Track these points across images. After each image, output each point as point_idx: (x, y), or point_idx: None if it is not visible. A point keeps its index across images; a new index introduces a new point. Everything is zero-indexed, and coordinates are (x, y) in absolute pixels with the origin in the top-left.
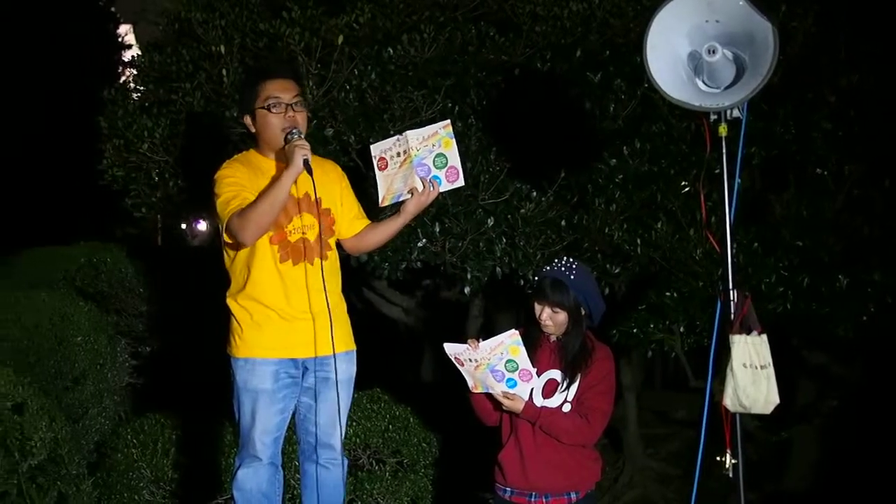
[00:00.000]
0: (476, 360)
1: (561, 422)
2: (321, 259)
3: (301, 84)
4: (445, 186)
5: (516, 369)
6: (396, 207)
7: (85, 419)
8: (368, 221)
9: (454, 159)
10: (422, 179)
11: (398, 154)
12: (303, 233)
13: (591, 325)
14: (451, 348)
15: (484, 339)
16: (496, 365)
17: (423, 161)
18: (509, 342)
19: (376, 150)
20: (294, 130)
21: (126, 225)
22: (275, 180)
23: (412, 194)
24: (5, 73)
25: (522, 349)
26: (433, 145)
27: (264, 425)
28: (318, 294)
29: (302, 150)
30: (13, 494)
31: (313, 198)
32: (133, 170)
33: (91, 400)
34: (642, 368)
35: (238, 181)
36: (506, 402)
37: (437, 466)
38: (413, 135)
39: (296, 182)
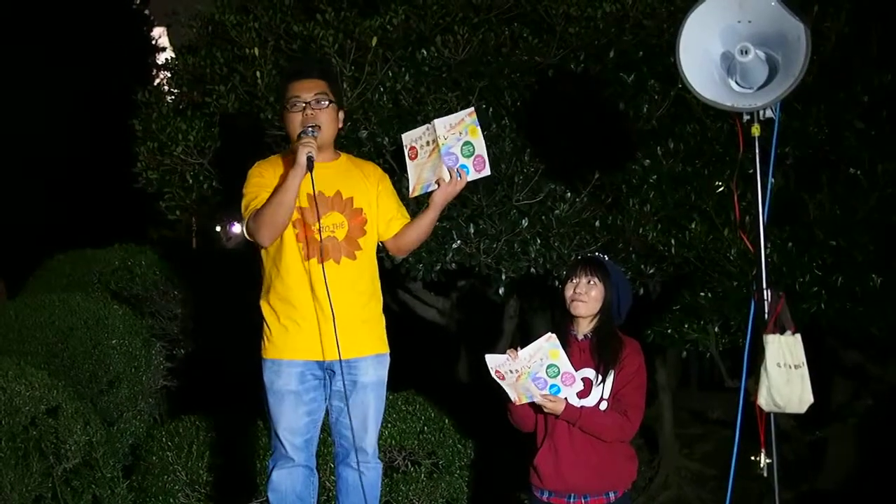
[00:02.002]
0: (517, 371)
1: (601, 419)
2: (349, 258)
3: (329, 80)
4: (473, 176)
5: (558, 374)
6: (425, 200)
7: (120, 422)
8: (407, 220)
9: (480, 148)
10: (449, 169)
11: (427, 143)
12: (331, 231)
13: (619, 321)
14: (491, 360)
15: (521, 348)
16: (537, 372)
17: (451, 150)
18: (547, 346)
19: (407, 139)
20: (308, 129)
21: (162, 227)
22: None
23: (439, 185)
24: (41, 75)
25: (561, 351)
26: (460, 133)
27: (292, 427)
28: (345, 294)
29: (305, 148)
30: (48, 498)
31: (345, 196)
32: (167, 172)
33: (126, 403)
34: (678, 368)
35: (262, 181)
36: (548, 404)
37: (473, 468)
38: (440, 123)
39: (328, 180)
